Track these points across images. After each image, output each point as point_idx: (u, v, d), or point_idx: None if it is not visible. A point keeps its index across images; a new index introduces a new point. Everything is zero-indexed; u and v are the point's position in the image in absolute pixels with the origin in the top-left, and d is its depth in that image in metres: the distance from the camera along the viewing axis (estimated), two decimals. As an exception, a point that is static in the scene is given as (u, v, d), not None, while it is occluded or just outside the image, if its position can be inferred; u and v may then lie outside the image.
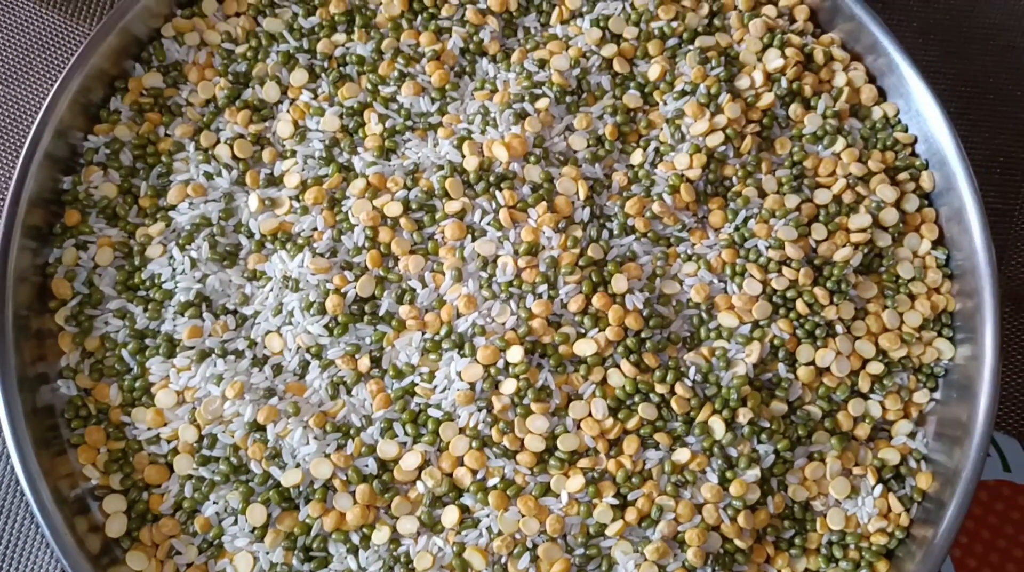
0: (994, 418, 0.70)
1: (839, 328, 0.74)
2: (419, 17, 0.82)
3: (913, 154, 0.81)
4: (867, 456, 0.73)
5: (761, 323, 0.73)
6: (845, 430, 0.73)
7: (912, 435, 0.74)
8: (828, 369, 0.73)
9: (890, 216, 0.78)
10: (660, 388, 0.70)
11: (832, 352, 0.73)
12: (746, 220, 0.76)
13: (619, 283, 0.72)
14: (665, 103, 0.80)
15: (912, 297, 0.77)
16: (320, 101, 0.79)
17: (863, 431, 0.73)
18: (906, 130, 0.81)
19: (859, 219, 0.77)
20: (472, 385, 0.69)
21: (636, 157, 0.78)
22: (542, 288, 0.71)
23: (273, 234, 0.75)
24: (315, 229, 0.74)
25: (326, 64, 0.81)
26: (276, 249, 0.74)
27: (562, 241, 0.73)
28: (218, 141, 0.78)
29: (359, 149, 0.77)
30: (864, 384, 0.74)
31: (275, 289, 0.73)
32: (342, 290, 0.72)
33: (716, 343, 0.73)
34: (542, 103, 0.77)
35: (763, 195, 0.77)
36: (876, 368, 0.74)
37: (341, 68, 0.80)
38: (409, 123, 0.78)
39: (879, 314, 0.75)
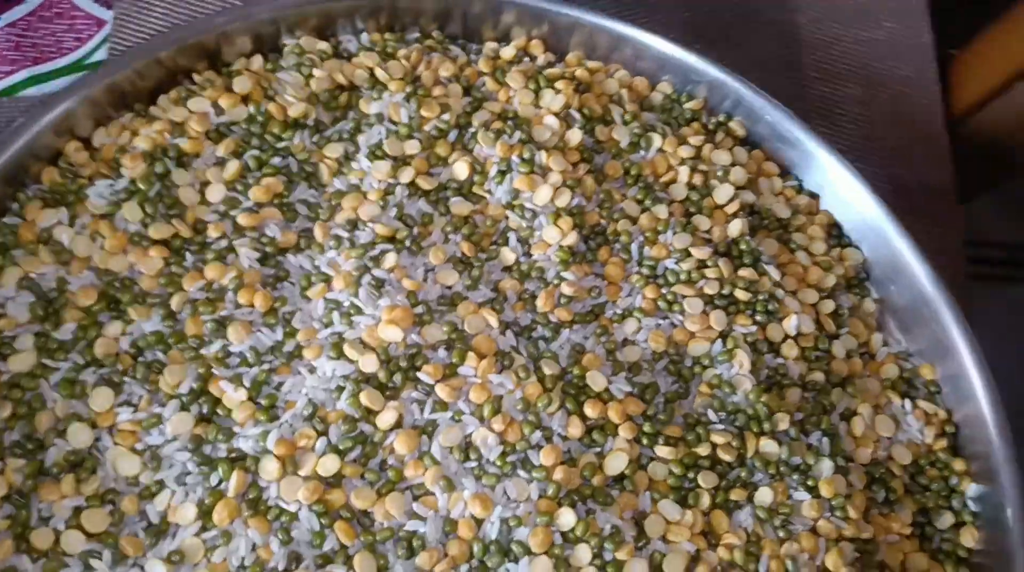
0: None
1: (779, 292, 0.73)
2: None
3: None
4: (875, 385, 0.72)
5: (725, 332, 0.69)
6: (848, 375, 0.72)
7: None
8: (800, 334, 0.72)
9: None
10: (702, 450, 0.63)
11: (792, 315, 0.71)
12: (641, 252, 0.72)
13: (595, 380, 0.64)
14: (492, 193, 0.73)
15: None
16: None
17: (857, 366, 0.73)
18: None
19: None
20: (547, 579, 0.57)
21: (507, 257, 0.71)
22: (536, 436, 0.61)
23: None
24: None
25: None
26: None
27: (513, 378, 0.63)
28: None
29: (236, 431, 0.61)
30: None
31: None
32: (342, 591, 0.56)
33: (706, 375, 0.68)
34: (390, 259, 0.67)
35: (635, 221, 0.74)
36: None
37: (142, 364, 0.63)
38: (265, 365, 0.63)
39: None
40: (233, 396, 0.62)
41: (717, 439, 0.64)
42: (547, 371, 0.64)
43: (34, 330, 0.63)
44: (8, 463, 0.59)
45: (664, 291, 0.70)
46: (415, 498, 0.59)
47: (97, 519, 0.58)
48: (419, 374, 0.63)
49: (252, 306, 0.65)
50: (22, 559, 0.56)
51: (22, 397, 0.61)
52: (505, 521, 0.58)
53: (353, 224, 0.70)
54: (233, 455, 0.60)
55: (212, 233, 0.68)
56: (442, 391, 0.62)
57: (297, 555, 0.57)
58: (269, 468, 0.59)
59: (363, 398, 0.61)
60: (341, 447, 0.60)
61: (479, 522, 0.59)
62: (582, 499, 0.60)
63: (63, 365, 0.62)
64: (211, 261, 0.66)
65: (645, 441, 0.63)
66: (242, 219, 0.68)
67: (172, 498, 0.59)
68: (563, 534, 0.59)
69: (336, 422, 0.61)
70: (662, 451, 0.63)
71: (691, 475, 0.63)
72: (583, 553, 0.58)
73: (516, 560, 0.58)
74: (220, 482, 0.59)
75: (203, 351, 0.63)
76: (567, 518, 0.59)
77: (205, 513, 0.58)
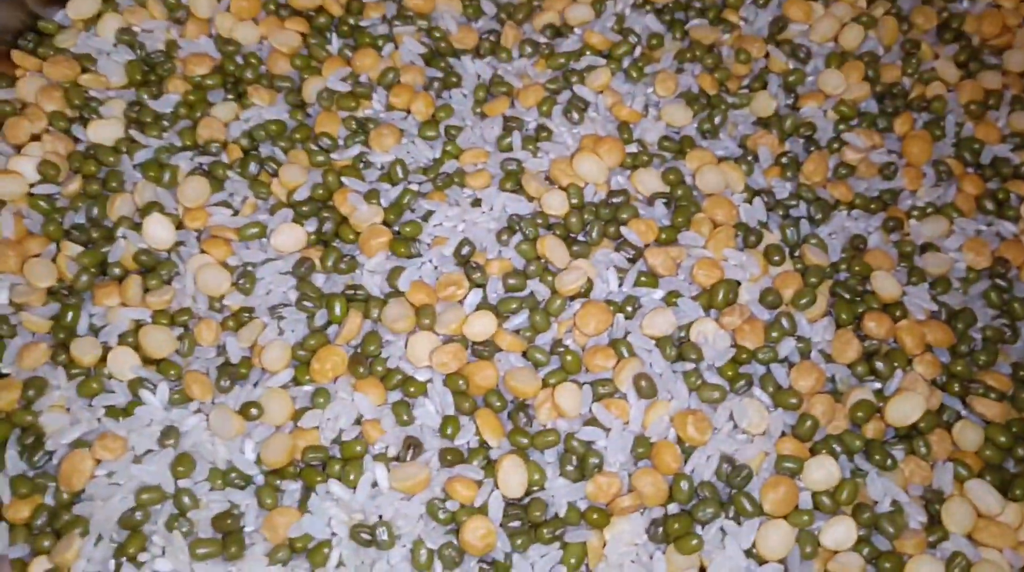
0: None
1: None
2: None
3: None
4: None
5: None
6: None
7: None
8: None
9: None
10: None
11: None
12: (959, 131, 0.50)
13: (884, 284, 0.43)
14: (750, 20, 0.52)
15: None
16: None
17: None
18: None
19: None
20: None
21: (764, 104, 0.50)
22: (787, 345, 0.41)
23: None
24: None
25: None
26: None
27: (759, 260, 0.44)
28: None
29: (360, 262, 0.44)
30: None
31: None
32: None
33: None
34: (600, 77, 0.48)
35: (951, 88, 0.51)
36: None
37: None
38: (413, 185, 0.46)
39: None
40: (364, 215, 0.45)
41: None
42: (812, 260, 0.44)
43: (128, 97, 0.49)
44: (63, 247, 0.44)
45: (990, 186, 0.48)
46: (597, 398, 0.40)
47: (160, 340, 0.42)
48: (624, 230, 0.44)
49: (408, 112, 0.49)
50: (56, 371, 0.41)
51: (96, 172, 0.47)
52: (728, 458, 0.39)
53: (556, 30, 0.51)
54: (351, 292, 0.43)
55: (370, 13, 0.51)
56: (655, 258, 0.43)
57: (415, 442, 0.39)
58: (397, 316, 0.41)
59: (541, 247, 0.42)
60: (501, 308, 0.42)
61: (688, 452, 0.39)
62: (847, 452, 0.40)
63: (154, 142, 0.48)
64: (362, 47, 0.51)
65: (952, 388, 0.41)
66: (411, 2, 0.50)
67: (262, 333, 0.42)
68: (814, 495, 0.38)
69: (499, 274, 0.43)
70: (980, 405, 0.41)
71: (1021, 452, 0.40)
72: (842, 530, 0.38)
73: (738, 520, 0.37)
74: (328, 324, 0.42)
75: (334, 155, 0.48)
76: (824, 471, 0.38)
77: (302, 362, 0.41)
